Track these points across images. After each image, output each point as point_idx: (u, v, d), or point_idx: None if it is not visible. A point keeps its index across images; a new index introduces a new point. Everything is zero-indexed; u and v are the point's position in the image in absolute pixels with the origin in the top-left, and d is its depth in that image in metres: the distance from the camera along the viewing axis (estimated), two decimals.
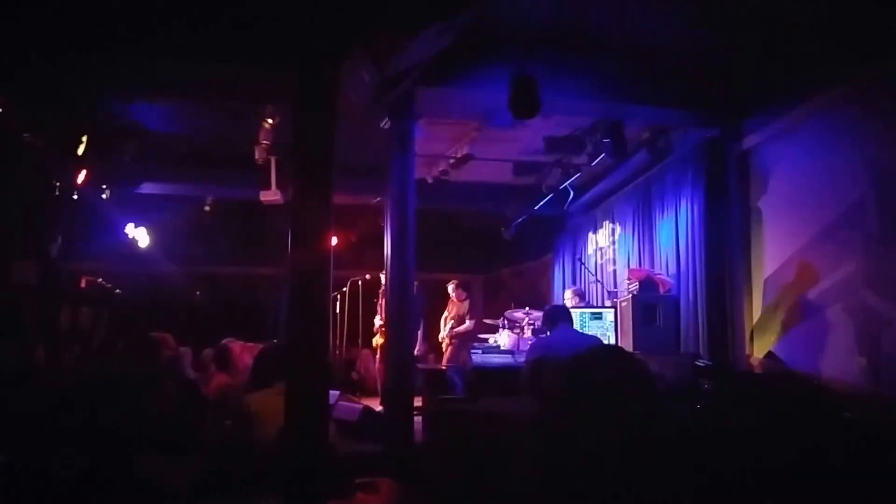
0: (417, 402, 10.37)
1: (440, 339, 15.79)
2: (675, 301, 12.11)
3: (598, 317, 12.52)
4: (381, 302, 14.20)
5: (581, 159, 13.23)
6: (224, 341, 9.98)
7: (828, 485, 3.13)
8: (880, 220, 8.63)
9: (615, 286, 14.85)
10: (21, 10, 8.55)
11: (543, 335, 10.05)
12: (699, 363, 9.82)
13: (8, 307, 14.34)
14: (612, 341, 11.85)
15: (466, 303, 15.59)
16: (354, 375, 17.06)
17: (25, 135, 11.19)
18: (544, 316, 9.40)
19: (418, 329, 13.55)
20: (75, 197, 13.59)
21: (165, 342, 10.07)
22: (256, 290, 21.90)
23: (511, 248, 18.07)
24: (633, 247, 14.41)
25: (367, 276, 15.27)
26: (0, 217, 13.16)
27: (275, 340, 8.48)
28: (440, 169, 14.02)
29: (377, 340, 14.63)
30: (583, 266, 16.57)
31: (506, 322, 13.86)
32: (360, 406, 10.50)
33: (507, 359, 11.91)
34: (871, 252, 8.72)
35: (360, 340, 16.15)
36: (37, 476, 4.89)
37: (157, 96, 11.23)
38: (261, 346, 8.18)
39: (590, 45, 9.89)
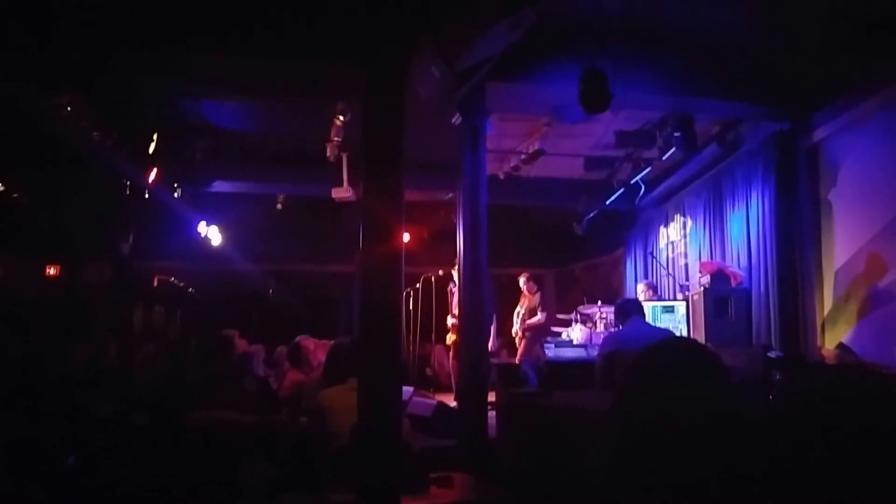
0: (491, 396, 10.35)
1: (514, 334, 15.81)
2: (747, 293, 12.14)
3: (669, 310, 12.70)
4: (453, 297, 14.24)
5: (652, 153, 13.18)
6: (298, 339, 10.10)
7: None
8: None
9: (687, 279, 14.85)
10: (90, 9, 8.68)
11: (616, 329, 10.06)
12: (771, 355, 9.75)
13: (81, 307, 14.60)
14: (684, 334, 11.96)
15: (538, 295, 15.55)
16: (428, 371, 17.15)
17: (95, 133, 11.34)
18: (616, 309, 9.42)
19: (491, 324, 13.56)
20: (147, 196, 13.78)
21: (231, 340, 10.20)
22: (329, 287, 22.06)
23: (583, 242, 18.18)
24: (705, 240, 14.40)
25: (440, 272, 15.30)
26: (72, 217, 13.39)
27: (347, 337, 8.54)
28: (511, 165, 14.12)
29: (451, 338, 14.67)
30: (654, 260, 16.63)
31: (578, 316, 13.96)
32: (434, 401, 10.57)
33: (579, 353, 11.99)
34: None
35: (433, 336, 16.17)
36: (110, 477, 4.96)
37: (226, 94, 11.36)
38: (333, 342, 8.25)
39: (659, 39, 9.91)
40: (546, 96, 10.65)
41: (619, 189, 14.95)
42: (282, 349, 11.21)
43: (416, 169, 12.25)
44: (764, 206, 11.85)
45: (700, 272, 12.98)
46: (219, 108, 12.00)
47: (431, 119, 10.17)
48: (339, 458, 5.46)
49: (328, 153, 12.37)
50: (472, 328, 10.23)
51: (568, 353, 12.13)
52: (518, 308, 15.54)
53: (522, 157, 13.67)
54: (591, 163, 14.30)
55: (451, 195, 13.44)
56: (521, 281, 15.64)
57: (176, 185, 14.25)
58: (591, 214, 16.47)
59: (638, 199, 15.57)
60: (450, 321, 14.57)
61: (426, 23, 7.52)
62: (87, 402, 7.20)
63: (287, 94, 11.27)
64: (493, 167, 13.63)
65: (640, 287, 14.30)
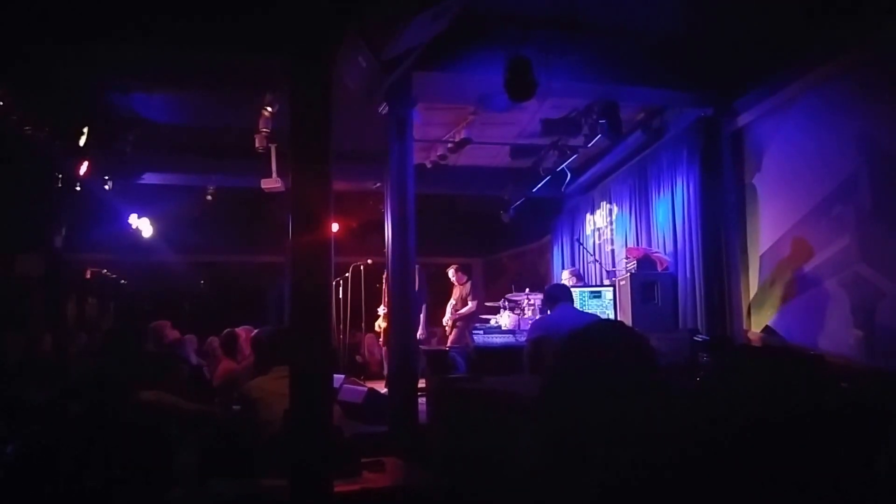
0: (421, 383, 10.44)
1: (444, 324, 15.90)
2: (673, 278, 12.23)
3: (597, 295, 12.71)
4: (385, 288, 14.31)
5: (577, 141, 13.29)
6: (238, 328, 10.12)
7: (824, 452, 3.18)
8: (873, 194, 8.66)
9: (613, 265, 14.95)
10: (17, 1, 8.64)
11: (544, 314, 10.14)
12: (697, 338, 9.87)
13: (15, 299, 14.49)
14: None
15: (468, 285, 15.67)
16: (359, 359, 17.18)
17: (26, 128, 11.27)
18: (545, 295, 9.45)
19: (420, 313, 13.62)
20: (78, 188, 13.71)
21: (163, 330, 10.21)
22: (260, 278, 22.03)
23: (510, 230, 18.25)
24: (631, 226, 14.46)
25: (369, 262, 15.38)
26: (3, 210, 13.27)
27: (269, 326, 8.52)
28: (438, 153, 14.18)
29: (381, 324, 14.72)
30: (581, 247, 16.66)
31: (506, 303, 14.04)
32: (365, 388, 10.59)
33: (508, 338, 12.09)
34: (864, 226, 8.77)
35: (363, 325, 16.26)
36: (44, 465, 4.95)
37: (154, 86, 11.33)
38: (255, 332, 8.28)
39: (584, 27, 10.01)
40: (472, 85, 10.75)
41: (545, 177, 15.10)
42: (213, 339, 11.21)
43: (344, 159, 12.26)
44: (689, 192, 11.94)
45: (626, 258, 13.12)
46: (148, 101, 11.97)
47: (359, 109, 10.23)
48: (271, 444, 5.48)
49: (257, 144, 12.35)
50: (401, 316, 10.30)
51: (496, 339, 12.27)
52: (452, 301, 15.66)
53: (449, 145, 13.80)
54: (518, 151, 14.34)
55: (378, 185, 13.72)
56: (451, 273, 15.78)
57: (107, 177, 14.29)
58: (518, 202, 16.64)
59: (564, 186, 15.85)
60: (382, 307, 14.64)
61: (352, 12, 7.56)
62: (23, 392, 7.19)
63: (214, 85, 11.27)
64: (421, 156, 13.74)
65: (566, 274, 14.29)
